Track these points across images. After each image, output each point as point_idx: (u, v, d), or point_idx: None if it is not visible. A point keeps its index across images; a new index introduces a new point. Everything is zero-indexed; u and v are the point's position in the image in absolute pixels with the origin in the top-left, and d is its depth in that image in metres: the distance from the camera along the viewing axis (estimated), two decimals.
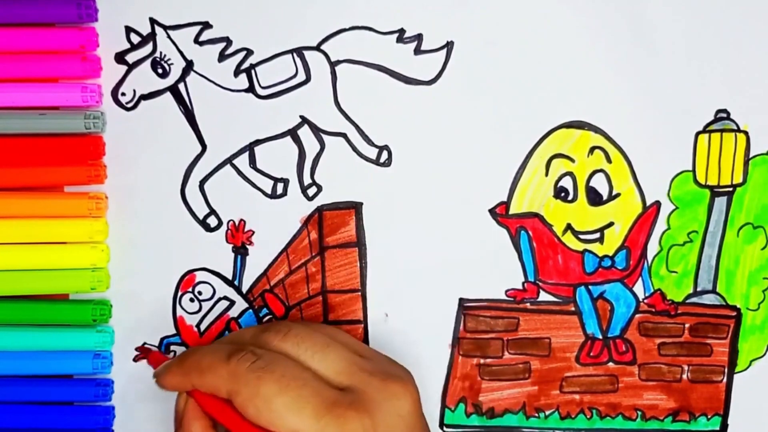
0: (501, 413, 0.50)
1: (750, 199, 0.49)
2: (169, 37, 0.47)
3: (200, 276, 0.49)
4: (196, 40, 0.47)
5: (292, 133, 0.48)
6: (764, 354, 0.50)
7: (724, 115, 0.49)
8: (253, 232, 0.48)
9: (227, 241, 0.48)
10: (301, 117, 0.48)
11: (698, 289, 0.50)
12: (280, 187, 0.48)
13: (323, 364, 0.42)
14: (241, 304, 0.49)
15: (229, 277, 0.49)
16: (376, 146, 0.48)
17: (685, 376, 0.50)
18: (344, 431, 0.39)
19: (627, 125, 0.49)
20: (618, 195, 0.49)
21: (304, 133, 0.48)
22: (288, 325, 0.43)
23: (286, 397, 0.39)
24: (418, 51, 0.48)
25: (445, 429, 0.50)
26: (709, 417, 0.50)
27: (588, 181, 0.49)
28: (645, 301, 0.50)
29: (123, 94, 0.48)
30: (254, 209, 0.48)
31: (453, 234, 0.49)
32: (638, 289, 0.50)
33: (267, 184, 0.48)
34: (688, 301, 0.50)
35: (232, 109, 0.48)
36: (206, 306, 0.49)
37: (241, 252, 0.49)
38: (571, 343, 0.50)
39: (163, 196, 0.48)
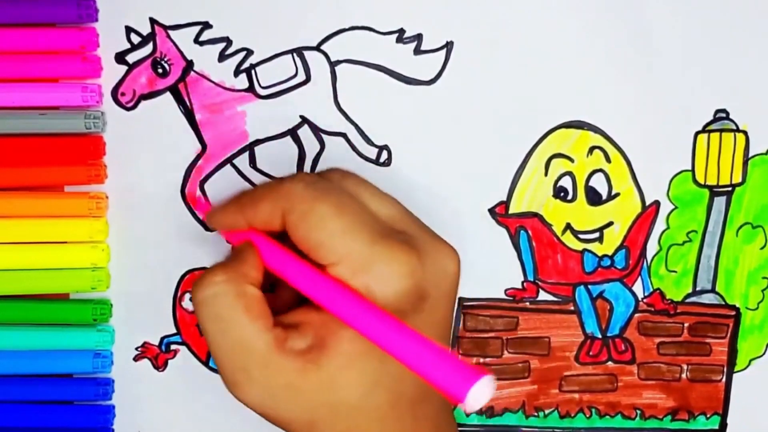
0: (500, 412, 0.50)
1: (749, 199, 0.49)
2: (169, 37, 0.47)
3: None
4: (196, 40, 0.47)
5: (292, 133, 0.48)
6: (763, 353, 0.50)
7: (724, 114, 0.49)
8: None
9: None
10: (301, 117, 0.48)
11: (697, 288, 0.50)
12: None
13: (380, 208, 0.41)
14: None
15: None
16: (375, 146, 0.48)
17: (684, 376, 0.50)
18: (393, 262, 0.38)
19: (626, 125, 0.49)
20: (617, 195, 0.49)
21: (304, 133, 0.48)
22: (349, 170, 0.42)
23: (341, 219, 0.38)
24: (417, 51, 0.48)
25: None
26: (708, 416, 0.50)
27: (587, 180, 0.49)
28: (644, 300, 0.50)
29: (123, 94, 0.48)
30: None
31: (452, 233, 0.49)
32: (637, 288, 0.50)
33: None
34: (687, 300, 0.50)
35: (232, 109, 0.48)
36: None
37: None
38: (571, 342, 0.50)
39: (164, 196, 0.48)
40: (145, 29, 0.47)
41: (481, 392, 0.34)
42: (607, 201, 0.49)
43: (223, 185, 0.48)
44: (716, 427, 0.50)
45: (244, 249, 0.41)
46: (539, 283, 0.49)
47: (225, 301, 0.39)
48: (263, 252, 0.40)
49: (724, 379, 0.50)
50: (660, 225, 0.50)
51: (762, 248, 0.50)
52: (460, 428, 0.50)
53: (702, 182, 0.49)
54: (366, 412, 0.39)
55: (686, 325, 0.50)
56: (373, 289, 0.38)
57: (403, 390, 0.39)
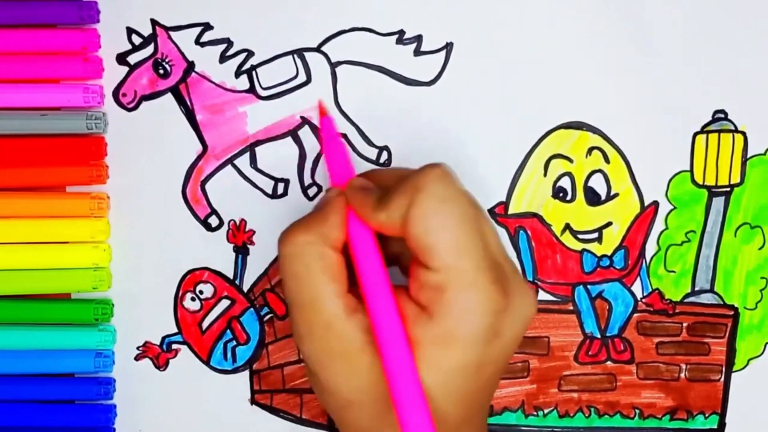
0: (500, 411, 0.50)
1: (747, 199, 0.50)
2: (170, 38, 0.47)
3: (201, 275, 0.49)
4: (198, 41, 0.47)
5: (293, 133, 0.48)
6: (762, 353, 0.51)
7: (722, 115, 0.49)
8: (254, 232, 0.49)
9: (228, 241, 0.49)
10: (301, 118, 0.48)
11: (696, 288, 0.50)
12: (281, 187, 0.48)
13: (488, 230, 0.40)
14: (242, 303, 0.49)
15: (231, 276, 0.49)
16: (376, 146, 0.48)
17: (682, 375, 0.50)
18: (491, 297, 0.38)
19: (625, 126, 0.49)
20: (616, 195, 0.49)
21: (305, 133, 0.48)
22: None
23: (461, 232, 0.38)
24: (417, 52, 0.48)
25: None
26: (706, 415, 0.51)
27: (586, 181, 0.49)
28: (643, 300, 0.50)
29: (124, 94, 0.48)
30: (255, 209, 0.48)
31: None
32: (636, 288, 0.50)
33: (268, 185, 0.48)
34: (686, 300, 0.50)
35: (233, 110, 0.48)
36: (208, 305, 0.49)
37: (242, 251, 0.49)
38: (570, 342, 0.50)
39: (165, 196, 0.48)
40: (147, 30, 0.47)
41: None
42: (606, 201, 0.49)
43: (223, 186, 0.48)
44: (715, 426, 0.51)
45: (332, 206, 0.40)
46: (538, 283, 0.50)
47: (304, 261, 0.39)
48: (350, 219, 0.40)
49: (722, 379, 0.50)
50: (659, 225, 0.50)
51: (760, 248, 0.50)
52: None
53: (700, 182, 0.49)
54: None
55: (685, 324, 0.50)
56: (463, 313, 0.38)
57: (449, 411, 0.39)
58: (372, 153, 0.48)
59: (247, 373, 0.49)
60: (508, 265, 0.40)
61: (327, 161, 0.42)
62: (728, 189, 0.49)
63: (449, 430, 0.39)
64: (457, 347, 0.38)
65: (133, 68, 0.48)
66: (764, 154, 0.49)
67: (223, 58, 0.48)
